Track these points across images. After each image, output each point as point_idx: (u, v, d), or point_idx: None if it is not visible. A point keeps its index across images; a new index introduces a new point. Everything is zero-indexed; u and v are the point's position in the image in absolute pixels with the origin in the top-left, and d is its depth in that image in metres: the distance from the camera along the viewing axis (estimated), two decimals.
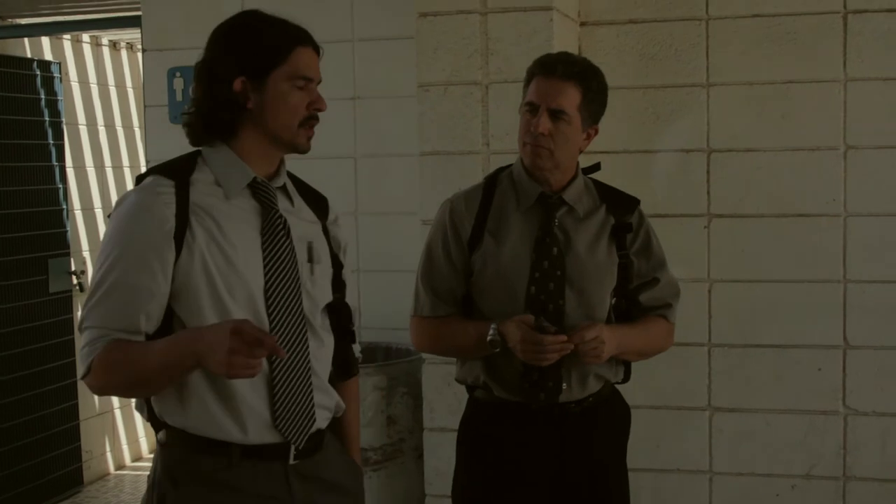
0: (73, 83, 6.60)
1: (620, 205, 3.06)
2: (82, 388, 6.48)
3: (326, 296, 2.55)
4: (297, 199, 2.55)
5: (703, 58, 4.18)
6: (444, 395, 3.97)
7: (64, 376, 6.25)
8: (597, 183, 3.10)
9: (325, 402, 2.51)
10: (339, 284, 2.61)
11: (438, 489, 4.00)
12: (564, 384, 2.92)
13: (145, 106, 4.95)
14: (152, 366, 2.30)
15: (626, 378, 3.11)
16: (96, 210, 6.81)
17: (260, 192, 2.43)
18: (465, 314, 3.01)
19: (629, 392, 4.18)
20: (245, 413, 2.35)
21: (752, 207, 4.15)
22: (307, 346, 2.45)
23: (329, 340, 2.56)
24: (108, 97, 7.00)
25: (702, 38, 4.17)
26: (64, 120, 6.31)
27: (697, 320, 4.19)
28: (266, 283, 2.39)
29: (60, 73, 6.28)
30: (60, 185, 6.24)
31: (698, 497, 4.23)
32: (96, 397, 6.70)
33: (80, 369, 2.34)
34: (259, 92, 2.39)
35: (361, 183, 4.81)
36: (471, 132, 3.87)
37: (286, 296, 2.41)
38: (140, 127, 6.98)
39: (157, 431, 2.41)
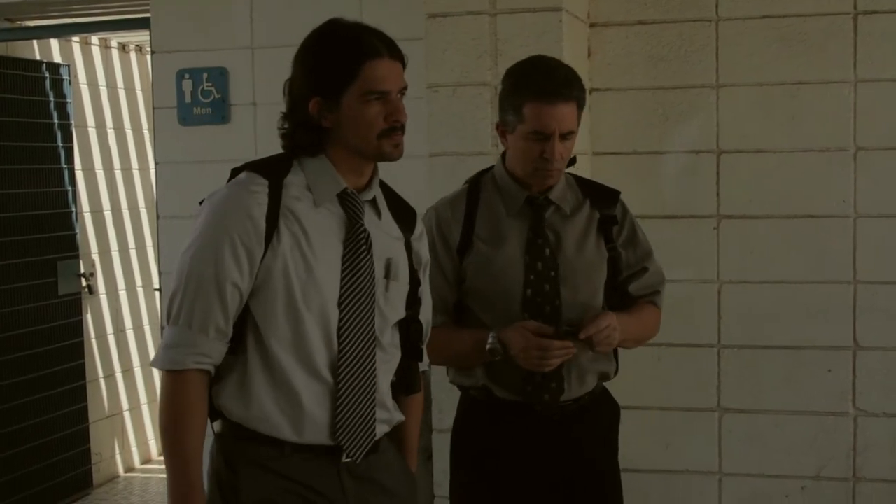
0: (82, 85, 6.61)
1: (603, 198, 3.09)
2: (91, 390, 6.51)
3: (398, 313, 2.56)
4: (385, 213, 2.56)
5: (713, 59, 4.17)
6: (453, 397, 3.96)
7: (73, 379, 6.27)
8: (577, 178, 3.14)
9: (384, 417, 2.53)
10: (413, 301, 2.62)
11: (448, 490, 3.99)
12: (566, 383, 2.95)
13: (154, 108, 4.95)
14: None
15: (617, 371, 3.14)
16: (105, 212, 6.82)
17: (348, 203, 2.45)
18: (457, 322, 3.02)
19: (639, 393, 4.20)
20: (304, 421, 2.40)
21: (761, 209, 4.14)
22: (374, 363, 2.47)
23: (396, 357, 2.57)
24: (118, 99, 7.01)
25: (711, 39, 4.16)
26: (73, 122, 6.33)
27: (707, 321, 4.18)
28: (341, 295, 2.41)
29: (70, 76, 6.30)
30: (69, 188, 6.26)
31: (707, 498, 4.22)
32: (105, 399, 6.72)
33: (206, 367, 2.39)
34: (334, 111, 2.40)
35: None
36: (480, 133, 3.87)
37: (359, 311, 2.43)
38: (149, 129, 6.99)
39: (212, 421, 2.46)
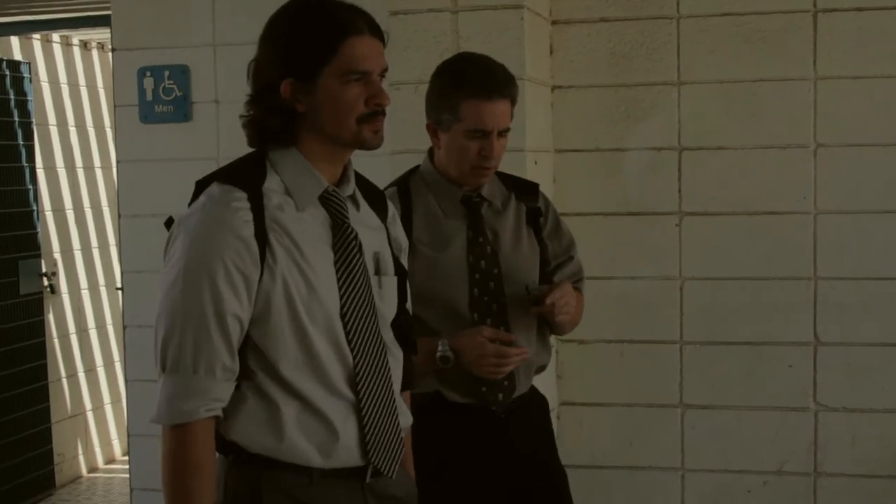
0: (43, 83, 6.57)
1: (525, 191, 3.10)
2: (54, 389, 6.46)
3: (394, 309, 2.40)
4: (363, 204, 2.36)
5: (675, 56, 4.19)
6: None
7: (36, 378, 6.23)
8: (498, 173, 3.08)
9: (405, 423, 2.39)
10: (403, 293, 2.45)
11: None
12: (517, 381, 2.96)
13: (115, 106, 4.92)
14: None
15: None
16: (67, 211, 6.77)
17: (331, 203, 2.25)
18: None
19: (602, 390, 4.22)
20: (335, 444, 2.21)
21: (723, 205, 4.16)
22: (388, 369, 2.30)
23: (400, 356, 2.40)
24: (79, 97, 6.97)
25: (673, 36, 4.18)
26: (34, 120, 6.28)
27: (669, 318, 4.20)
28: (342, 305, 2.22)
29: (30, 73, 6.25)
30: (31, 186, 6.21)
31: (671, 494, 4.24)
32: (68, 400, 6.67)
33: (170, 419, 2.13)
34: (310, 94, 2.18)
35: None
36: None
37: (362, 317, 2.25)
38: (111, 127, 6.95)
39: (226, 454, 2.23)
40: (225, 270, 2.10)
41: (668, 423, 4.23)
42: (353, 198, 2.31)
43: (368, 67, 2.19)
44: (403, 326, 2.43)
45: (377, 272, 2.32)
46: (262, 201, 2.15)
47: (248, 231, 2.11)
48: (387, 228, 2.42)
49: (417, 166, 3.06)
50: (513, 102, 2.91)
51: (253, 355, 2.17)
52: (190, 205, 2.20)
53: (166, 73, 4.72)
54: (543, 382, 4.07)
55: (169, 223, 2.20)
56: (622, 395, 4.23)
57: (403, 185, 3.00)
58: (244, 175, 2.19)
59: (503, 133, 2.91)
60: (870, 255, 4.09)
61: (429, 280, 2.89)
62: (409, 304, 2.50)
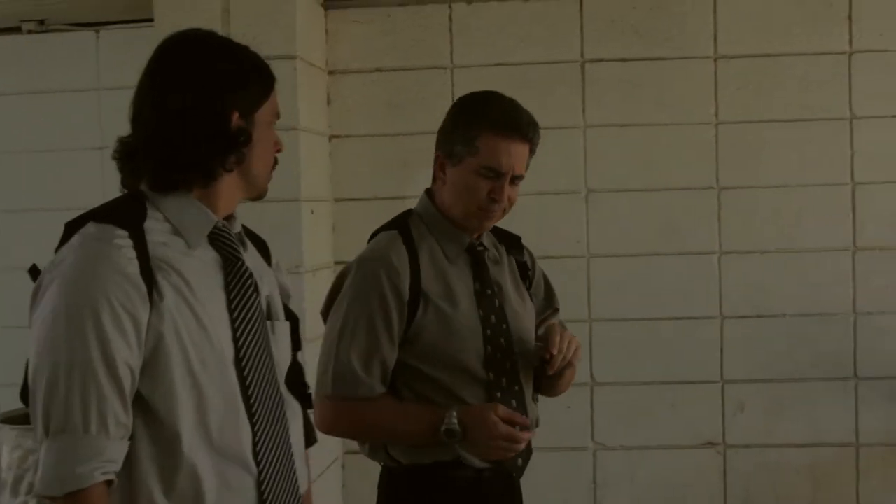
0: None
1: (512, 244, 2.86)
2: None
3: (287, 358, 2.18)
4: (250, 246, 2.16)
5: (449, 105, 4.23)
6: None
7: None
8: None
9: (304, 488, 2.16)
10: (297, 341, 2.24)
11: None
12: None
13: None
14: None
15: None
16: None
17: (222, 240, 2.04)
18: (392, 386, 2.62)
19: None
20: None
21: None
22: (287, 423, 2.08)
23: (298, 410, 2.18)
24: None
25: (447, 86, 4.25)
26: None
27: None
28: (238, 351, 1.99)
29: None
30: None
31: None
32: None
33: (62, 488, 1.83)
34: (249, 129, 2.03)
35: None
36: None
37: (260, 365, 2.02)
38: None
39: None
40: (111, 311, 1.85)
41: None
42: (240, 237, 2.13)
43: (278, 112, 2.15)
44: (298, 377, 2.22)
45: (269, 317, 2.11)
46: (146, 239, 1.93)
47: (134, 268, 1.88)
48: (275, 275, 2.24)
49: (410, 209, 2.77)
50: (532, 151, 2.65)
51: (137, 410, 1.90)
52: (58, 250, 1.94)
53: None
54: None
55: (34, 271, 1.95)
56: None
57: (403, 227, 2.68)
58: (122, 213, 1.95)
59: (516, 180, 2.63)
60: (640, 297, 4.23)
61: (443, 337, 2.60)
62: (300, 355, 2.28)
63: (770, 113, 4.24)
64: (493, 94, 2.73)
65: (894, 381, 4.26)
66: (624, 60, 4.23)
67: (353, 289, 2.60)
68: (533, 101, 4.17)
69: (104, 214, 1.94)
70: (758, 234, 4.26)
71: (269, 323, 2.09)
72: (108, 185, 4.56)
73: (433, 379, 2.59)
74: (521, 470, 2.73)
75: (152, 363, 1.90)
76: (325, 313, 2.69)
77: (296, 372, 2.21)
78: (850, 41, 4.23)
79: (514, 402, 2.63)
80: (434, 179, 2.75)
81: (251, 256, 2.13)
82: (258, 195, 2.12)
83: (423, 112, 4.25)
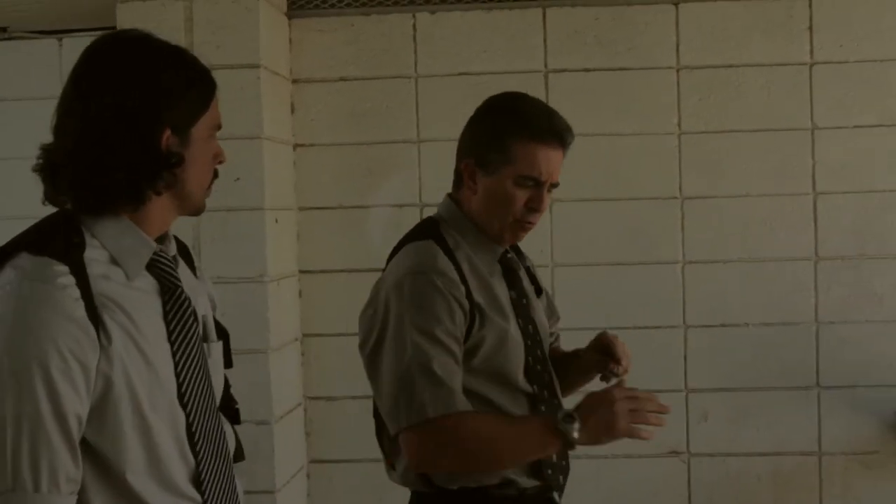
0: None
1: (516, 249, 2.75)
2: None
3: (221, 378, 2.07)
4: (181, 262, 2.01)
5: (414, 114, 4.25)
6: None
7: None
8: None
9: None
10: (228, 358, 2.10)
11: None
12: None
13: None
14: None
15: None
16: None
17: (158, 266, 1.90)
18: None
19: (351, 447, 4.18)
20: None
21: None
22: (227, 448, 1.99)
23: (230, 428, 2.08)
24: None
25: (411, 95, 4.25)
26: None
27: None
28: (180, 385, 1.88)
29: None
30: None
31: None
32: None
33: None
34: (183, 147, 1.86)
35: None
36: None
37: (201, 398, 1.91)
38: None
39: None
40: (61, 361, 1.72)
41: None
42: (176, 259, 1.99)
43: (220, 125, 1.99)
44: (226, 394, 2.10)
45: (204, 339, 1.99)
46: (87, 272, 1.78)
47: (80, 311, 1.74)
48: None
49: (432, 217, 2.64)
50: (564, 156, 2.54)
51: (86, 458, 1.79)
52: None
53: None
54: (295, 441, 4.03)
55: None
56: (372, 451, 4.21)
57: (438, 237, 2.51)
58: (57, 244, 1.79)
59: (551, 188, 2.52)
60: (604, 306, 4.24)
61: (498, 351, 2.45)
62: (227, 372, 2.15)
63: (732, 123, 4.27)
64: (525, 97, 2.61)
65: (856, 390, 4.29)
66: (587, 70, 4.25)
67: (408, 306, 2.37)
68: None
69: (39, 245, 1.79)
70: (721, 244, 4.29)
71: (205, 345, 1.98)
72: None
73: (482, 396, 2.43)
74: (563, 488, 2.59)
75: (100, 409, 1.78)
76: (364, 344, 2.49)
77: (225, 389, 2.10)
78: (811, 52, 4.26)
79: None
80: (459, 186, 2.60)
81: (184, 274, 1.99)
82: (195, 212, 1.97)
83: (387, 121, 4.25)
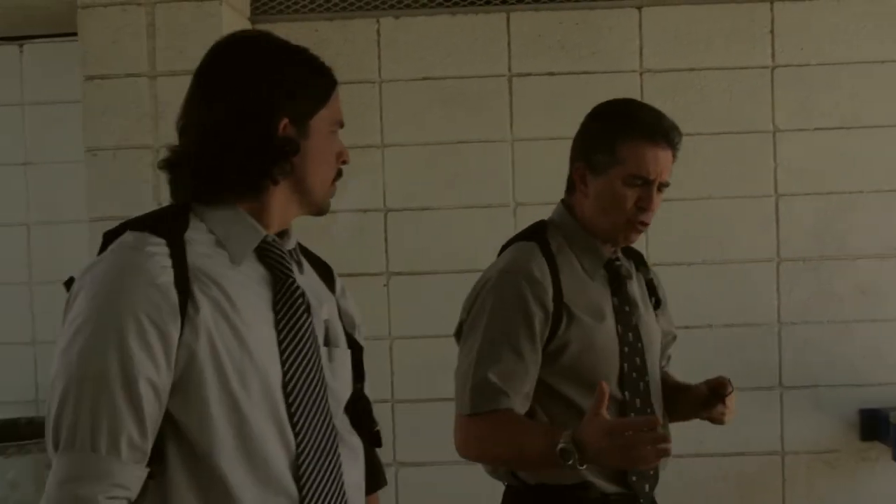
0: None
1: (639, 259, 2.78)
2: None
3: (347, 388, 2.01)
4: (306, 265, 2.03)
5: (378, 119, 4.25)
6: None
7: None
8: None
9: None
10: (360, 373, 2.08)
11: None
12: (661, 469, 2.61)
13: None
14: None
15: None
16: None
17: (270, 255, 1.91)
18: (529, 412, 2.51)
19: None
20: None
21: (428, 265, 4.24)
22: (340, 462, 1.90)
23: (359, 447, 2.02)
24: None
25: (375, 99, 4.25)
26: None
27: (381, 377, 4.22)
28: (285, 374, 1.83)
29: None
30: None
31: None
32: None
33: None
34: (301, 137, 1.91)
35: (35, 251, 4.61)
36: (142, 196, 3.78)
37: (311, 391, 1.86)
38: None
39: None
40: (137, 325, 1.72)
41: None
42: (294, 256, 1.99)
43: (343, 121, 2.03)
44: (364, 414, 2.07)
45: (327, 343, 1.96)
46: (185, 248, 1.80)
47: (167, 277, 1.75)
48: (337, 302, 2.09)
49: (543, 220, 2.69)
50: (674, 157, 2.57)
51: (172, 442, 1.77)
52: None
53: None
54: None
55: (70, 283, 1.83)
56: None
57: (541, 238, 2.59)
58: (161, 222, 1.83)
59: (661, 188, 2.55)
60: None
61: (585, 351, 2.51)
62: (367, 388, 2.12)
63: (695, 126, 4.28)
64: (632, 101, 2.72)
65: (818, 390, 4.33)
66: (551, 74, 4.26)
67: (492, 303, 2.51)
68: (461, 115, 4.23)
69: (142, 223, 1.84)
70: (683, 246, 4.31)
71: (325, 349, 1.94)
72: (32, 201, 4.54)
73: (566, 398, 2.50)
74: (650, 497, 2.62)
75: (184, 382, 1.76)
76: (458, 328, 2.66)
77: (363, 407, 2.07)
78: (773, 55, 4.29)
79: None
80: (572, 190, 2.66)
81: (307, 277, 1.99)
82: (317, 210, 1.99)
83: (350, 125, 4.19)
